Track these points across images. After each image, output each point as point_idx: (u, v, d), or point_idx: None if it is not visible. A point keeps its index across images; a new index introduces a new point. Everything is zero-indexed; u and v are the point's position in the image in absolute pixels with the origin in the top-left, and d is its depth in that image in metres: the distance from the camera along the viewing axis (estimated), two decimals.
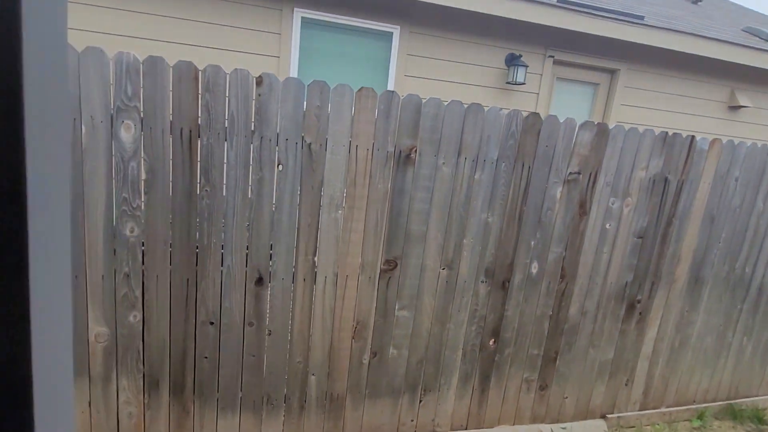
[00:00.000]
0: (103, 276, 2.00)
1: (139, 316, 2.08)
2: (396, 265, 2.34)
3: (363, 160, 2.17)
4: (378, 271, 2.33)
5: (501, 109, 2.33)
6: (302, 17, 4.07)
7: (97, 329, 2.04)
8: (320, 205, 2.18)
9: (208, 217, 2.05)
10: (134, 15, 3.74)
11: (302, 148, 2.09)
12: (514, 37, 4.93)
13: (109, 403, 2.13)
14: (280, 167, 2.08)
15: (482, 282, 2.51)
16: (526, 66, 4.88)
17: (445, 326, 2.51)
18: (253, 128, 2.02)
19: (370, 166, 2.19)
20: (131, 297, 2.05)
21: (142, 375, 2.14)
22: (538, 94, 5.16)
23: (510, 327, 2.63)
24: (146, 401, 2.18)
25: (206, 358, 2.20)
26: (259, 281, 2.19)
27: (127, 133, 1.88)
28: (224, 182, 2.04)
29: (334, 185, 2.17)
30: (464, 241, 2.41)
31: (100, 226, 1.95)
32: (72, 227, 1.91)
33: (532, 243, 2.53)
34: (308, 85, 2.04)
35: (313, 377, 2.37)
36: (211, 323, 2.17)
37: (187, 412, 2.24)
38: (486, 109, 2.30)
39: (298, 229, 2.18)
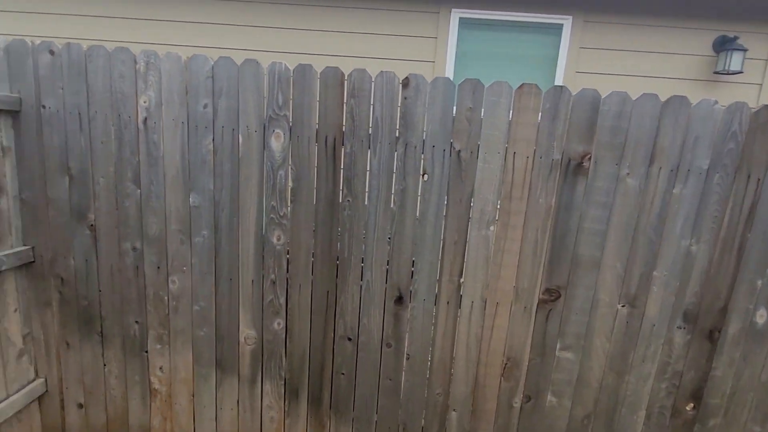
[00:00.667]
0: (252, 281, 2.05)
1: (283, 324, 2.09)
2: (559, 295, 1.94)
3: (521, 170, 1.84)
4: (536, 300, 1.95)
5: (715, 102, 1.75)
6: (460, 18, 3.86)
7: (247, 332, 2.11)
8: (469, 220, 1.91)
9: (349, 228, 1.96)
10: (289, 32, 4.00)
11: (450, 155, 1.85)
12: (727, 14, 3.93)
13: (254, 405, 2.19)
14: (425, 177, 1.88)
15: (679, 328, 1.92)
16: (745, 50, 3.84)
17: (623, 378, 1.99)
18: (397, 134, 1.86)
19: (530, 176, 1.84)
20: (276, 304, 2.07)
21: (283, 382, 2.15)
22: (761, 85, 4.03)
23: (718, 391, 1.97)
24: (286, 408, 2.18)
25: (343, 374, 2.12)
26: (399, 300, 2.02)
27: (276, 142, 1.90)
28: (366, 192, 1.92)
29: (486, 198, 1.88)
30: (654, 273, 1.87)
31: (252, 232, 2.00)
32: (228, 232, 2.01)
33: (759, 283, 1.85)
34: (459, 85, 1.80)
35: (454, 413, 2.10)
36: (349, 339, 2.08)
37: (323, 426, 2.18)
38: (693, 103, 1.75)
39: (443, 245, 1.94)
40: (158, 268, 2.07)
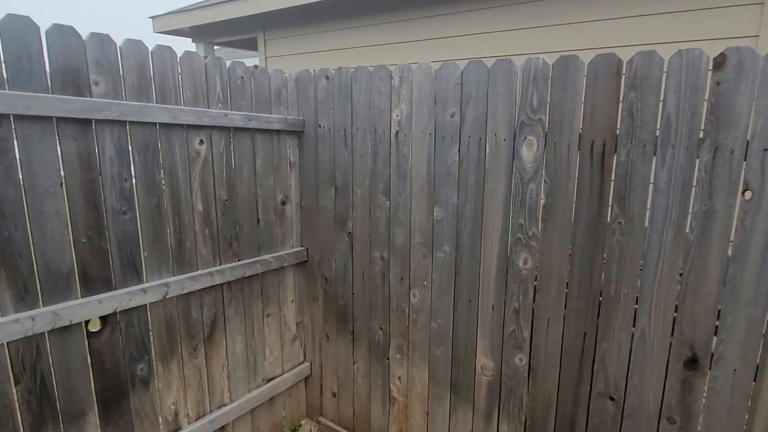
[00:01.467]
0: (493, 306, 1.84)
1: (525, 360, 1.80)
2: None
3: None
4: None
5: None
6: None
7: (484, 360, 1.91)
8: None
9: (619, 257, 1.52)
10: (542, 30, 3.56)
11: None
12: None
13: None
14: (748, 193, 1.29)
15: None
16: None
17: None
18: (701, 135, 1.34)
19: None
20: (518, 336, 1.79)
21: (523, 427, 1.86)
22: None
23: None
24: None
25: None
26: (692, 363, 1.46)
27: (528, 151, 1.63)
28: (647, 212, 1.46)
29: None
30: None
31: (494, 252, 1.79)
32: (470, 249, 1.85)
33: None
34: None
35: None
36: (611, 399, 1.63)
37: None
38: None
39: None
40: (401, 279, 2.08)
